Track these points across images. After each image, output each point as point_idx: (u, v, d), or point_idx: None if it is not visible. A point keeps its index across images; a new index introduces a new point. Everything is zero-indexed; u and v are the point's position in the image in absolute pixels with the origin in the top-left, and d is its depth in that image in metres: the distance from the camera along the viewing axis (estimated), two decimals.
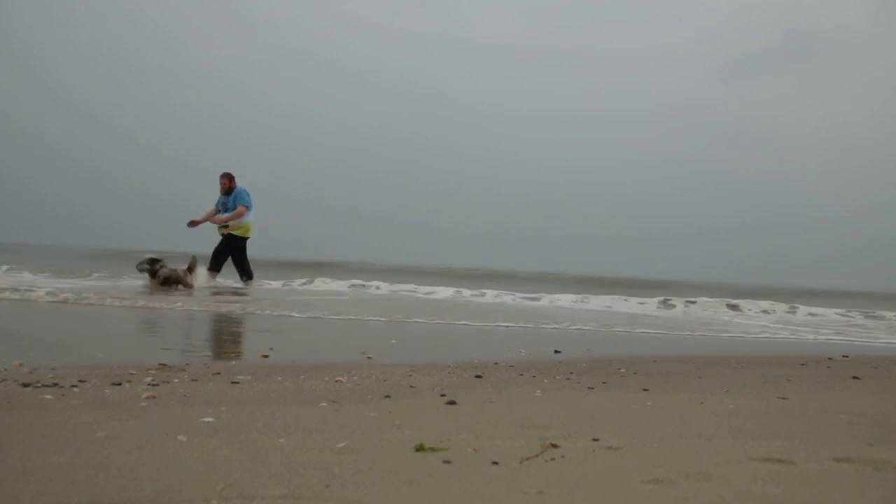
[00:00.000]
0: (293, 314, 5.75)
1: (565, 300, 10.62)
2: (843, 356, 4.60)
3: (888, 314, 10.77)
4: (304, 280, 11.90)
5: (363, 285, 11.57)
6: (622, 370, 3.31)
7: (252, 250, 9.88)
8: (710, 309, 10.58)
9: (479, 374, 2.97)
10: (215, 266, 9.61)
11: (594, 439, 1.69)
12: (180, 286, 8.68)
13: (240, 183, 9.67)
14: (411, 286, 11.42)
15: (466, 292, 11.38)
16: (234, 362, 2.98)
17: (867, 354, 5.07)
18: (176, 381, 2.47)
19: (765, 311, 10.61)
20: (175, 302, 6.36)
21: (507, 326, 5.90)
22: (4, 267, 10.64)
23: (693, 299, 11.31)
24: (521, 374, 3.03)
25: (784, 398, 2.62)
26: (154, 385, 2.37)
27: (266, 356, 3.23)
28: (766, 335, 6.51)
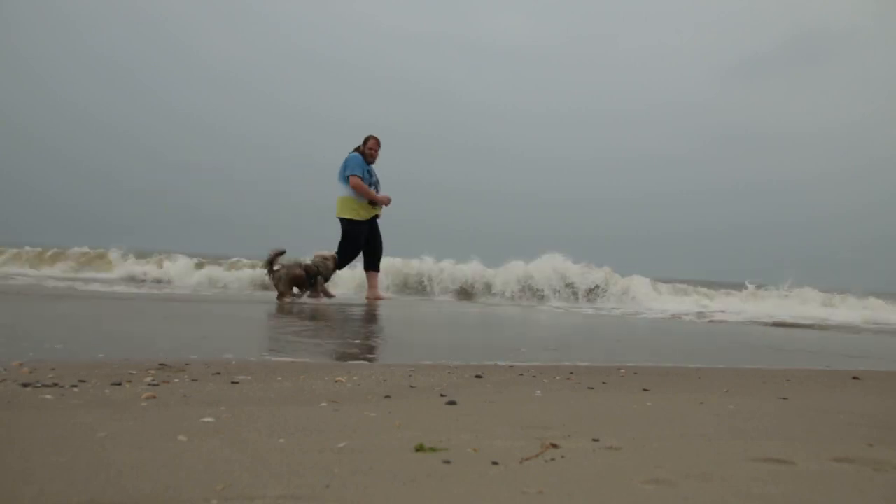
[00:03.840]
0: None
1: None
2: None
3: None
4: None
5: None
6: (622, 370, 3.31)
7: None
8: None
9: (479, 374, 2.97)
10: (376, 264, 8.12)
11: (594, 439, 1.69)
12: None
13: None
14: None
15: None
16: (234, 362, 2.98)
17: (868, 356, 5.07)
18: (176, 381, 2.47)
19: None
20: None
21: None
22: None
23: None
24: (521, 375, 3.03)
25: (784, 398, 2.62)
26: (154, 385, 2.37)
27: (266, 356, 3.23)
28: None
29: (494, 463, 1.44)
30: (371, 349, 4.00)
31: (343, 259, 7.98)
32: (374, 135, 8.17)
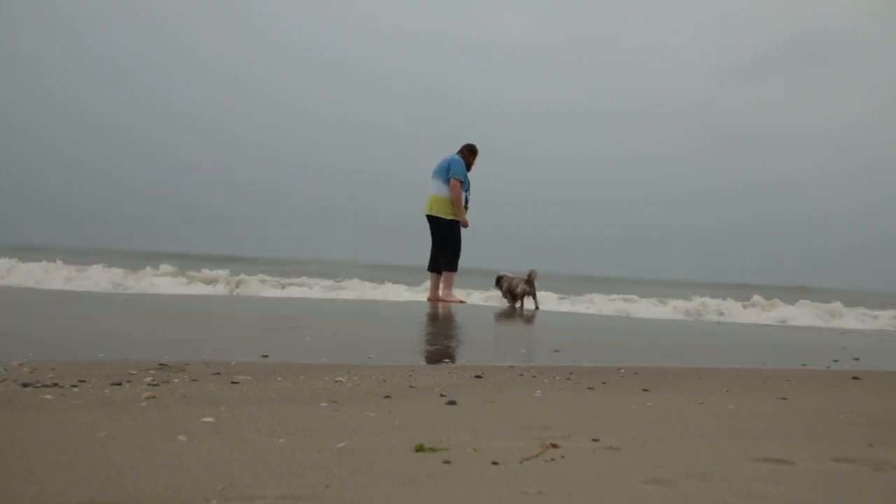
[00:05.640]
0: None
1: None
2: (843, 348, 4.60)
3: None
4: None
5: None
6: (622, 370, 3.31)
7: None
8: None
9: (479, 374, 2.97)
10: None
11: (594, 439, 1.69)
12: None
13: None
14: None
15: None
16: (234, 362, 2.98)
17: (868, 356, 5.07)
18: (176, 381, 2.48)
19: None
20: None
21: None
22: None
23: None
24: (521, 375, 3.03)
25: (784, 398, 2.62)
26: (154, 385, 2.37)
27: (266, 356, 3.23)
28: None
29: (494, 463, 1.44)
30: None
31: (455, 259, 8.01)
32: (476, 147, 8.29)
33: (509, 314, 7.22)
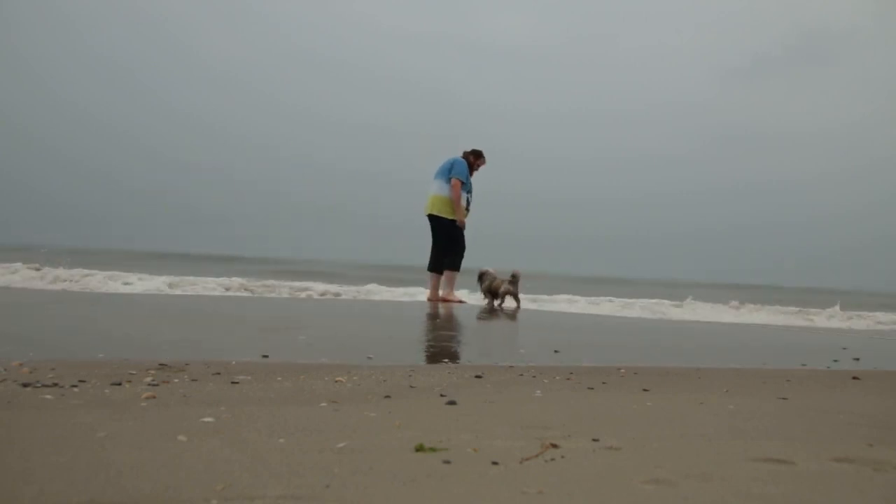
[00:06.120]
0: None
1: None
2: (843, 348, 4.60)
3: None
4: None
5: None
6: (622, 370, 3.31)
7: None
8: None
9: (479, 374, 2.97)
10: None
11: (594, 439, 1.69)
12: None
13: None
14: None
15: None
16: (234, 362, 2.98)
17: (868, 356, 5.07)
18: (176, 381, 2.48)
19: None
20: None
21: None
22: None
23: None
24: (521, 375, 3.03)
25: (784, 398, 2.62)
26: (154, 385, 2.37)
27: (266, 356, 3.23)
28: None
29: (494, 463, 1.44)
30: None
31: (458, 259, 8.12)
32: (485, 155, 8.39)
33: (510, 314, 7.24)
